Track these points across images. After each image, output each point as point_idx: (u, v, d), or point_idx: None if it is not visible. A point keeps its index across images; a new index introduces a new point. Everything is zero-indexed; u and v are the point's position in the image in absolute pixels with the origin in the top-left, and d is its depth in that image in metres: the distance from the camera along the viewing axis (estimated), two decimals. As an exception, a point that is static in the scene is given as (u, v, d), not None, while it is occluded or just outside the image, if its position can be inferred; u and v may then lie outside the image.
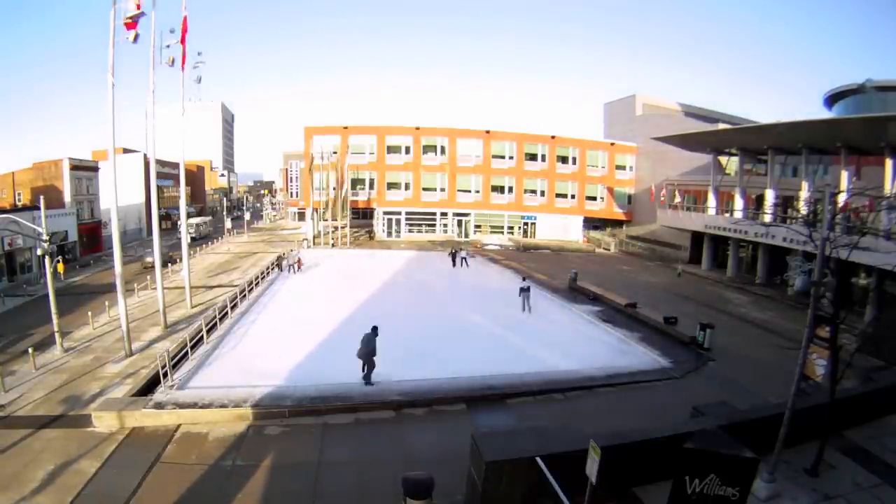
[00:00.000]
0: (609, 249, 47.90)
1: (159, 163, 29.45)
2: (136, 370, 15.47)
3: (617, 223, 54.39)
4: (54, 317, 17.13)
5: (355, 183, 50.43)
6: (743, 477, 6.82)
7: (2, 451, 10.88)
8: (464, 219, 52.71)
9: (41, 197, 21.67)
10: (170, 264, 33.05)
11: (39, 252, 18.01)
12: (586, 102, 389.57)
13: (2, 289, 27.35)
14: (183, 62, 19.76)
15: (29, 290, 27.67)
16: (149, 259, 32.79)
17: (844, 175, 26.58)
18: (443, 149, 51.74)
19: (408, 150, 51.51)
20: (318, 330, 19.36)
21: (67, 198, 40.72)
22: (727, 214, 35.67)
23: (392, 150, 51.62)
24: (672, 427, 9.29)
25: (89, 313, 20.88)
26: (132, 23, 15.76)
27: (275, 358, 16.24)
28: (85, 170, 43.63)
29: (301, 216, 61.88)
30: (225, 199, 77.54)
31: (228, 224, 58.91)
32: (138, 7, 15.80)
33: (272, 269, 31.27)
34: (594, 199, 54.41)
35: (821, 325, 9.77)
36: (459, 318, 21.89)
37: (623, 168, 54.48)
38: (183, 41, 19.30)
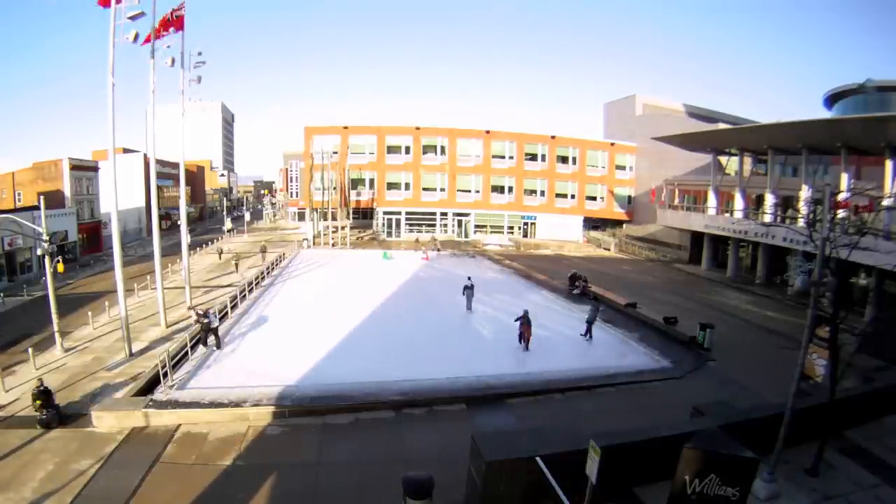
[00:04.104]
0: (609, 249, 47.87)
1: (159, 163, 29.44)
2: (136, 370, 15.46)
3: (617, 223, 54.38)
4: (54, 317, 17.11)
5: (355, 183, 50.47)
6: (743, 477, 6.82)
7: (2, 451, 10.88)
8: (464, 219, 52.71)
9: (41, 197, 21.64)
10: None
11: (39, 252, 18.00)
12: (586, 102, 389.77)
13: (2, 289, 27.32)
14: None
15: (29, 289, 27.63)
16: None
17: (844, 175, 26.57)
18: (443, 149, 51.75)
19: (408, 150, 51.51)
20: (317, 330, 19.36)
21: (68, 198, 40.73)
22: (727, 214, 35.67)
23: (392, 150, 51.61)
24: (672, 427, 9.30)
25: (89, 313, 20.88)
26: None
27: (275, 358, 16.24)
28: (85, 170, 43.61)
29: (301, 216, 61.85)
30: (225, 199, 77.58)
31: (228, 224, 58.99)
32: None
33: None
34: (594, 199, 54.41)
35: (821, 325, 9.77)
36: (459, 318, 21.90)
37: (623, 168, 54.48)
38: (181, 35, 19.26)
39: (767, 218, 30.23)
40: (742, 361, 17.15)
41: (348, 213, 46.52)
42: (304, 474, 10.23)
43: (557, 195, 53.42)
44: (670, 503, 7.10)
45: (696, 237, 39.06)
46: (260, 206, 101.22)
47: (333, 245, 43.99)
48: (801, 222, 21.63)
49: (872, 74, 50.56)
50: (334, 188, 45.75)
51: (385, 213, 51.93)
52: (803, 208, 23.85)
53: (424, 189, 51.89)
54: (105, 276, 31.02)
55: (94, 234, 43.84)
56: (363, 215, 52.87)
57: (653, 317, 21.70)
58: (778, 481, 8.69)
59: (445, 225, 52.59)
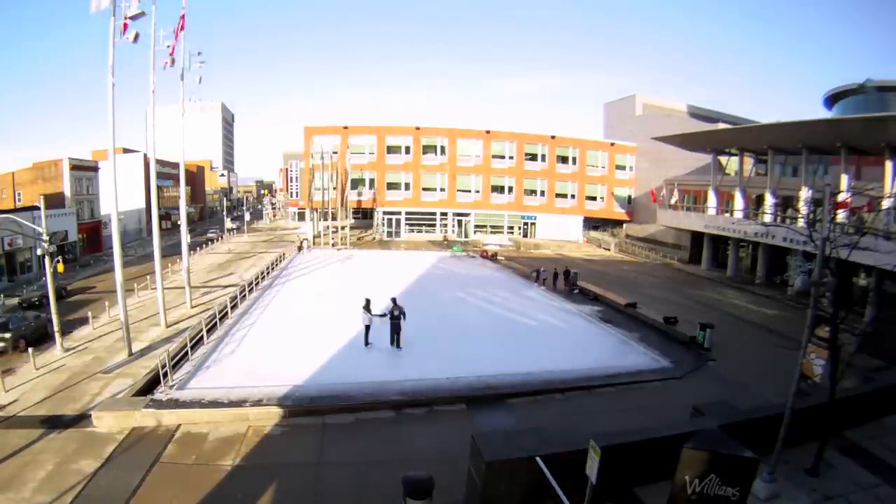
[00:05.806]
0: (609, 249, 47.89)
1: (159, 163, 29.47)
2: (136, 370, 15.46)
3: (617, 223, 54.42)
4: (54, 316, 17.12)
5: (355, 183, 50.46)
6: (743, 477, 6.82)
7: (2, 452, 10.87)
8: (464, 219, 52.72)
9: (41, 197, 21.62)
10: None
11: (39, 252, 18.00)
12: (586, 102, 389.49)
13: (2, 289, 27.30)
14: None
15: (29, 289, 27.61)
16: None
17: (844, 175, 26.58)
18: (443, 149, 51.77)
19: (408, 150, 51.53)
20: (318, 330, 19.36)
21: (68, 198, 40.73)
22: (727, 214, 35.69)
23: (392, 150, 51.64)
24: (672, 427, 9.29)
25: (89, 313, 20.88)
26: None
27: (275, 358, 16.24)
28: (85, 170, 43.63)
29: (301, 216, 61.93)
30: (225, 199, 77.62)
31: (229, 224, 59.04)
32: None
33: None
34: (594, 199, 54.44)
35: (821, 325, 9.78)
36: (460, 318, 21.90)
37: (623, 168, 54.52)
38: (177, 36, 19.26)
39: (767, 218, 30.25)
40: (742, 361, 17.15)
41: (348, 213, 46.52)
42: (304, 474, 10.22)
43: (557, 195, 53.46)
44: (670, 503, 7.10)
45: (696, 237, 39.09)
46: (260, 207, 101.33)
47: (334, 245, 43.99)
48: (801, 222, 21.65)
49: (872, 74, 50.58)
50: (334, 188, 45.76)
51: (385, 213, 51.93)
52: (803, 208, 23.86)
53: (424, 189, 51.90)
54: (105, 277, 31.01)
55: (94, 234, 43.85)
56: (363, 215, 52.94)
57: (653, 317, 21.71)
58: (778, 481, 8.69)
59: (445, 225, 52.60)
